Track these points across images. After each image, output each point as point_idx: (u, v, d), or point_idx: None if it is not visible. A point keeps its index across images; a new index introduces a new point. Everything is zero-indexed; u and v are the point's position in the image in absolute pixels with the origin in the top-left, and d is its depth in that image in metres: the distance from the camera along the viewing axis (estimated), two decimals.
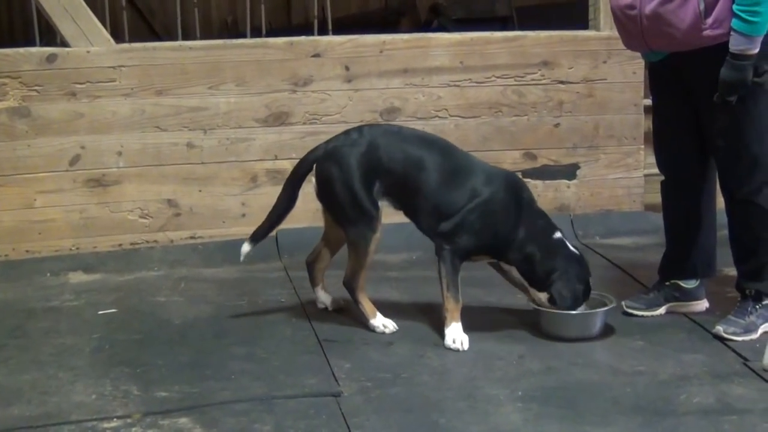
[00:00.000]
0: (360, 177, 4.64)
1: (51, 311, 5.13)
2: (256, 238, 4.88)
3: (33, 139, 5.75)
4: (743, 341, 4.51)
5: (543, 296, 4.66)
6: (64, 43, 5.79)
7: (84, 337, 4.76)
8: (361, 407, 3.97)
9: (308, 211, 5.17)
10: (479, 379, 4.21)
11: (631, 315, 4.86)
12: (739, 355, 4.38)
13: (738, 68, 4.27)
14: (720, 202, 4.73)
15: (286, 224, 5.56)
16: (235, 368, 4.36)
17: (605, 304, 4.73)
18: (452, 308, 4.60)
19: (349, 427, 3.79)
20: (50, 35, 6.14)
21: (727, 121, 4.43)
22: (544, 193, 6.29)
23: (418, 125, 6.10)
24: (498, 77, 6.17)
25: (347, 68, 6.04)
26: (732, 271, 4.81)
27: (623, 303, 4.88)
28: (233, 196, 5.90)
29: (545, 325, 4.68)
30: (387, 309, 4.93)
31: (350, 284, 4.75)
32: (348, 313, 4.96)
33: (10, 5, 9.90)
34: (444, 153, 4.77)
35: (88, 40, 5.77)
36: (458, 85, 6.16)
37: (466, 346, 4.53)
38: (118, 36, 6.04)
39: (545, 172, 6.32)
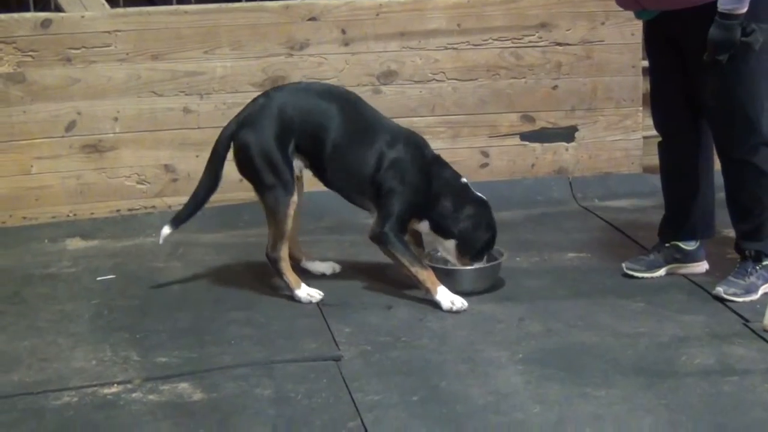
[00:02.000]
0: (274, 139, 4.65)
1: (49, 278, 5.12)
2: (178, 221, 4.85)
3: (28, 105, 5.72)
4: (744, 302, 4.50)
5: (451, 244, 4.72)
6: (58, 8, 5.76)
7: (83, 303, 4.75)
8: (361, 371, 3.97)
9: (304, 177, 5.15)
10: (479, 342, 4.21)
11: (631, 277, 4.85)
12: (740, 316, 4.37)
13: (726, 27, 4.24)
14: (717, 162, 4.72)
15: None
16: (235, 333, 4.36)
17: (496, 258, 4.80)
18: (426, 278, 4.60)
19: (349, 391, 3.79)
20: (44, 0, 6.10)
21: (718, 82, 4.41)
22: (542, 156, 6.28)
23: (416, 88, 6.10)
24: (495, 40, 6.14)
25: (344, 32, 6.01)
26: (732, 232, 4.79)
27: (623, 265, 4.88)
28: (230, 161, 5.87)
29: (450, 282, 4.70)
30: (384, 272, 4.93)
31: (272, 255, 4.70)
32: (346, 277, 4.95)
33: None
34: (352, 108, 4.79)
35: (83, 4, 5.74)
36: (455, 48, 6.13)
37: (465, 304, 4.53)
38: (112, 0, 6.00)
39: (543, 135, 6.30)
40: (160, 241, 4.83)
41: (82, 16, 5.73)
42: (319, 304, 4.63)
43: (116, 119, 5.83)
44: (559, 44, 6.21)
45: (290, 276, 4.72)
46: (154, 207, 5.96)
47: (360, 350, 4.15)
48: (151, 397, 3.81)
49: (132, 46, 5.80)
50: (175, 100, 5.87)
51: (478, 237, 4.70)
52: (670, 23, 4.48)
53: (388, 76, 6.09)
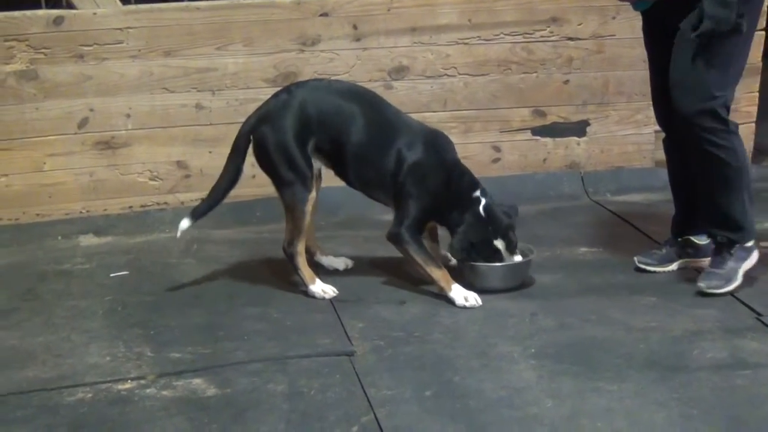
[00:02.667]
0: (294, 136, 4.65)
1: (63, 274, 5.13)
2: (197, 214, 4.85)
3: (41, 102, 5.74)
4: (727, 291, 4.50)
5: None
6: (70, 5, 5.77)
7: (96, 299, 4.77)
8: (374, 366, 3.98)
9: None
10: (492, 336, 4.21)
11: (644, 271, 4.85)
12: (752, 310, 4.38)
13: (725, 5, 4.20)
14: None
15: None
16: (248, 328, 4.37)
17: (527, 255, 4.79)
18: (440, 276, 4.61)
19: (363, 386, 3.80)
20: None
21: (690, 58, 4.39)
22: (554, 151, 6.28)
23: (427, 84, 6.10)
24: (507, 34, 6.14)
25: (355, 27, 6.01)
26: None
27: (635, 258, 4.88)
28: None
29: (468, 278, 4.72)
30: (397, 268, 4.94)
31: (289, 250, 4.72)
32: (360, 273, 4.96)
33: None
34: (373, 107, 4.78)
35: (95, 1, 5.74)
36: (467, 43, 6.13)
37: (479, 300, 4.54)
38: None
39: (555, 130, 6.30)
40: (178, 234, 4.82)
41: (95, 13, 5.74)
42: (332, 299, 4.64)
43: (129, 116, 5.84)
44: (571, 39, 6.21)
45: (305, 271, 4.73)
46: (166, 203, 5.97)
47: (373, 345, 4.16)
48: (164, 392, 3.82)
49: (144, 42, 5.81)
50: (188, 97, 5.88)
51: (459, 247, 4.66)
52: (665, 12, 4.47)
53: (399, 72, 6.10)
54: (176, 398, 3.78)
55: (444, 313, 4.47)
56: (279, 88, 4.94)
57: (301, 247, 4.72)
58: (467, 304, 4.53)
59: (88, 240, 5.65)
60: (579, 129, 6.33)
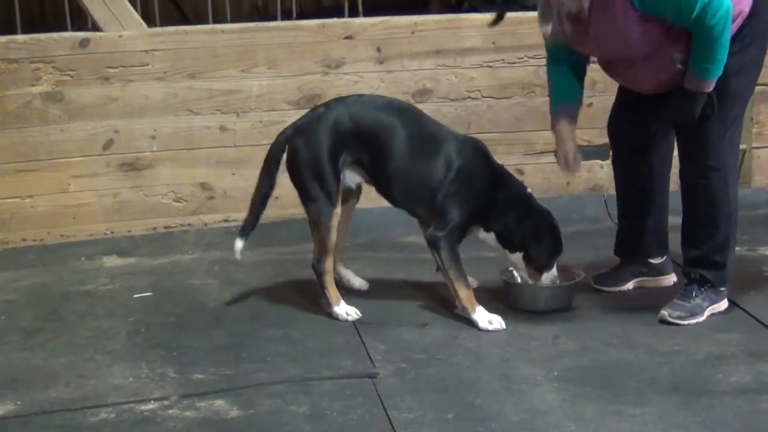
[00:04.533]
0: (327, 150, 4.64)
1: (86, 295, 5.15)
2: (246, 231, 4.85)
3: (66, 124, 5.77)
4: (689, 324, 4.48)
5: (517, 257, 4.72)
6: (96, 28, 5.81)
7: (120, 320, 4.78)
8: (396, 388, 3.97)
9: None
10: (514, 359, 4.21)
11: (600, 291, 4.92)
12: None
13: (694, 98, 4.25)
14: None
15: None
16: (271, 350, 4.37)
17: (573, 278, 4.82)
18: (466, 296, 4.61)
19: (385, 408, 3.80)
20: (82, 20, 6.16)
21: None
22: (577, 174, 6.26)
23: (451, 107, 6.11)
24: (531, 57, 6.14)
25: (379, 50, 6.03)
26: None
27: (591, 279, 4.95)
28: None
29: (513, 300, 4.77)
30: (419, 290, 4.94)
31: (317, 267, 4.74)
32: (382, 295, 4.96)
33: None
34: (413, 120, 4.78)
35: (120, 24, 5.78)
36: (491, 66, 6.14)
37: (503, 324, 4.54)
38: (149, 20, 6.05)
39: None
40: (238, 256, 4.83)
41: (120, 36, 5.78)
42: (355, 321, 4.64)
43: (153, 137, 5.87)
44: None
45: (332, 291, 4.74)
46: (190, 225, 5.99)
47: (395, 368, 4.16)
48: (187, 413, 3.83)
49: (169, 64, 5.84)
50: (212, 119, 5.90)
51: (544, 248, 4.68)
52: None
53: (423, 94, 6.11)
54: (199, 419, 3.78)
55: (466, 335, 4.47)
56: (303, 111, 4.96)
57: (329, 265, 4.72)
58: (491, 328, 4.52)
59: (111, 261, 5.67)
60: (602, 152, 6.29)
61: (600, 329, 4.49)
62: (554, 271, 4.72)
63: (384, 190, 4.80)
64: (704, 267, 4.54)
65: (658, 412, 3.72)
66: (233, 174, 5.92)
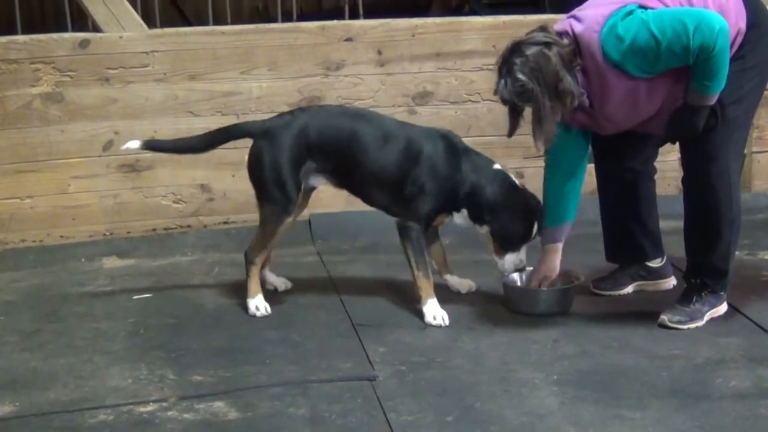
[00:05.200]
0: (289, 158, 4.72)
1: (85, 296, 5.15)
2: (150, 144, 5.05)
3: (66, 125, 5.77)
4: (689, 329, 4.48)
5: (485, 230, 4.75)
6: (96, 29, 5.81)
7: (119, 321, 4.78)
8: (396, 391, 3.97)
9: (340, 196, 5.18)
10: (514, 363, 4.21)
11: (599, 295, 4.91)
12: None
13: (696, 112, 4.24)
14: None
15: (319, 209, 5.62)
16: (270, 352, 4.37)
17: (572, 282, 4.82)
18: (425, 285, 4.67)
19: (384, 411, 3.79)
20: (82, 20, 6.16)
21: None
22: None
23: (451, 109, 6.11)
24: None
25: (379, 52, 6.03)
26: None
27: (590, 284, 4.94)
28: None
29: (513, 303, 4.79)
30: None
31: (249, 257, 4.84)
32: (381, 298, 4.96)
33: None
34: (373, 122, 4.85)
35: (121, 25, 5.78)
36: (491, 69, 6.10)
37: (447, 321, 4.61)
38: (149, 21, 6.05)
39: None
40: (123, 147, 4.97)
41: (120, 37, 5.78)
42: (354, 323, 4.64)
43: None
44: None
45: (254, 283, 4.85)
46: (189, 226, 5.99)
47: (394, 370, 4.16)
48: (186, 415, 3.82)
49: (169, 66, 5.84)
50: (212, 120, 5.89)
51: (509, 226, 4.70)
52: None
53: (423, 97, 6.11)
54: (197, 421, 3.78)
55: (466, 338, 4.47)
56: None
57: (260, 260, 4.85)
58: (434, 323, 4.61)
59: (111, 262, 5.67)
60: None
61: (599, 333, 4.48)
62: (521, 255, 4.73)
63: (357, 193, 4.90)
64: (706, 273, 4.54)
65: (657, 416, 3.71)
66: (233, 176, 5.91)
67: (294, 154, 4.73)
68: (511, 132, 4.41)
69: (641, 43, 4.10)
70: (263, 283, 5.00)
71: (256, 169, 4.79)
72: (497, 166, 4.79)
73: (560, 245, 4.69)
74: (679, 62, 4.12)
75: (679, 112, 4.27)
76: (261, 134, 4.80)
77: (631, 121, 4.37)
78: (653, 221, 4.89)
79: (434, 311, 4.63)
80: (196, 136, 5.05)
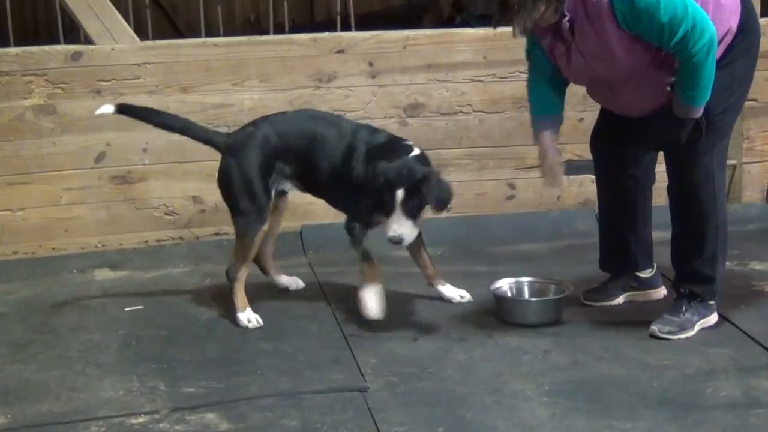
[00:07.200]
0: (258, 170, 4.79)
1: (78, 308, 5.15)
2: (123, 108, 5.06)
3: (58, 137, 5.78)
4: (679, 339, 4.50)
5: None
6: (88, 41, 5.81)
7: (111, 333, 4.78)
8: (387, 402, 3.98)
9: (331, 207, 5.18)
10: (505, 374, 4.21)
11: (590, 306, 4.92)
12: (766, 349, 4.37)
13: (681, 124, 4.27)
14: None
15: (311, 220, 5.63)
16: (262, 363, 4.38)
17: (563, 292, 4.82)
18: (368, 270, 4.74)
19: (375, 422, 3.80)
20: (74, 33, 6.17)
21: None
22: (568, 188, 6.28)
23: (442, 121, 6.12)
24: (522, 72, 6.10)
25: (371, 64, 6.05)
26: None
27: (581, 295, 4.95)
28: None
29: (504, 313, 4.79)
30: (410, 303, 4.94)
31: (231, 274, 4.88)
32: None
33: (34, 3, 9.93)
34: (330, 125, 4.89)
35: (113, 37, 5.79)
36: (482, 81, 6.16)
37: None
38: (141, 33, 6.06)
39: (570, 167, 6.21)
40: (97, 112, 5.00)
41: (112, 49, 5.79)
42: (346, 334, 4.65)
43: (145, 150, 5.87)
44: None
45: (240, 298, 4.87)
46: (181, 238, 5.99)
47: (386, 381, 4.17)
48: (178, 427, 3.83)
49: (161, 78, 5.85)
50: None
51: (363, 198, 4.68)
52: None
53: (414, 109, 6.12)
54: None
55: (457, 349, 4.48)
56: None
57: (242, 274, 4.87)
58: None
59: (103, 274, 5.66)
60: (593, 167, 6.31)
61: (591, 343, 4.49)
62: (396, 224, 4.57)
63: (320, 196, 4.99)
64: (693, 281, 4.56)
65: (648, 427, 3.72)
66: None
67: (261, 163, 4.79)
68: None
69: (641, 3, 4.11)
70: (276, 285, 5.12)
71: (226, 185, 4.86)
72: (408, 141, 4.81)
73: (551, 136, 4.65)
74: (655, 38, 4.14)
75: (664, 120, 4.30)
76: (226, 150, 4.88)
77: (600, 68, 4.34)
78: (647, 232, 4.91)
79: (369, 298, 4.67)
80: (174, 115, 5.11)
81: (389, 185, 4.52)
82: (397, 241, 4.56)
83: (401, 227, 4.52)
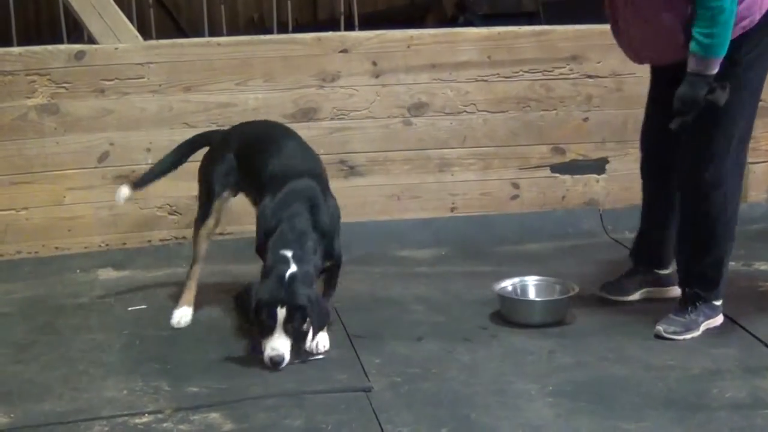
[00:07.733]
0: (222, 175, 4.91)
1: (81, 308, 5.14)
2: (138, 183, 5.14)
3: (62, 136, 5.77)
4: (684, 340, 4.49)
5: None
6: (91, 40, 5.81)
7: (114, 333, 4.77)
8: (391, 402, 3.97)
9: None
10: (509, 374, 4.20)
11: (606, 300, 4.92)
12: None
13: (693, 85, 4.23)
14: None
15: None
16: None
17: (568, 292, 4.82)
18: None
19: (379, 422, 3.79)
20: (77, 32, 6.16)
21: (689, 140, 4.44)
22: (573, 188, 6.27)
23: (446, 120, 6.11)
24: (526, 72, 6.15)
25: (375, 63, 6.04)
26: None
27: (598, 289, 4.96)
28: None
29: (508, 313, 4.79)
30: (414, 304, 4.93)
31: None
32: (376, 309, 4.96)
33: (38, 2, 9.93)
34: (279, 138, 4.92)
35: (116, 36, 5.78)
36: (486, 80, 6.15)
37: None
38: (145, 33, 6.05)
39: (574, 167, 6.29)
40: (117, 200, 5.07)
41: (116, 48, 5.78)
42: (350, 335, 4.63)
43: (149, 150, 5.86)
44: (590, 77, 6.22)
45: (186, 294, 4.94)
46: (185, 238, 5.96)
47: (390, 381, 4.16)
48: (181, 427, 3.82)
49: (165, 77, 5.84)
50: None
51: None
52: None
53: (418, 108, 6.11)
54: None
55: (461, 349, 4.47)
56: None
57: (194, 273, 4.98)
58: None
59: (106, 274, 5.66)
60: (598, 166, 6.32)
61: (595, 344, 4.48)
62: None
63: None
64: (699, 282, 4.55)
65: (653, 427, 3.71)
66: None
67: (223, 168, 4.91)
68: None
69: None
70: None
71: (199, 174, 5.04)
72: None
73: None
74: None
75: (683, 81, 4.25)
76: (210, 148, 5.07)
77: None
78: (674, 229, 4.87)
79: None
80: (167, 156, 5.22)
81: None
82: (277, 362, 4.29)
83: (282, 346, 4.29)
